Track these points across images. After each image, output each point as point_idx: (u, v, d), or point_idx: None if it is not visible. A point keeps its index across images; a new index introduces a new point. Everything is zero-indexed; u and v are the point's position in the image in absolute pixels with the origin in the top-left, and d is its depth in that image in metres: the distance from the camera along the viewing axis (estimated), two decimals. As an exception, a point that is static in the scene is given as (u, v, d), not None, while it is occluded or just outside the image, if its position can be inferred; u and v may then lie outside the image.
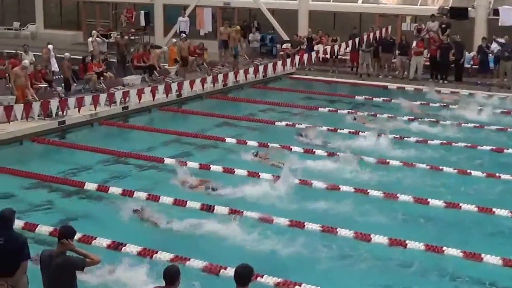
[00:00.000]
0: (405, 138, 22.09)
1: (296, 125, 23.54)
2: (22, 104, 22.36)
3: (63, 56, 27.90)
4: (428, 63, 31.92)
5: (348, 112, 25.80)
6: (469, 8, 33.46)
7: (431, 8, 34.10)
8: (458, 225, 15.56)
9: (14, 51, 27.73)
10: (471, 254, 13.71)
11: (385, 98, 28.26)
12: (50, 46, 28.70)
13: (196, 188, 17.54)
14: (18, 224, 14.09)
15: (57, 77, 27.89)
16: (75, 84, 27.51)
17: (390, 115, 25.11)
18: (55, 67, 28.37)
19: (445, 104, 27.00)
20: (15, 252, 9.66)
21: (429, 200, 16.56)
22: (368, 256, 13.79)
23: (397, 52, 32.09)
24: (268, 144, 21.12)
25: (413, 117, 24.83)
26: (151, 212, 15.61)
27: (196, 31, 37.50)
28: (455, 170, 18.91)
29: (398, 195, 16.84)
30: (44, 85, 25.85)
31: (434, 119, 24.71)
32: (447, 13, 33.36)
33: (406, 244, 14.13)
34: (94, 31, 34.26)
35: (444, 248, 13.94)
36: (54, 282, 9.34)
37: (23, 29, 43.93)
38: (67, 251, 9.43)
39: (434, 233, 15.04)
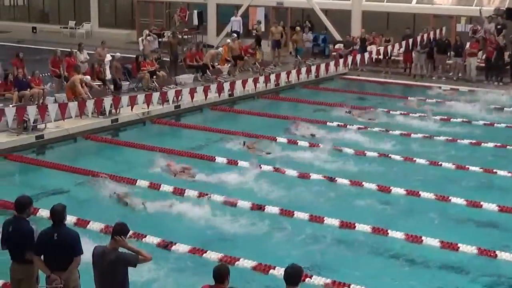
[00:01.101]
0: (458, 140, 21.88)
1: (347, 126, 23.44)
2: (76, 102, 22.63)
3: (114, 55, 28.20)
4: (483, 64, 31.49)
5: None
6: (526, 9, 32.92)
7: (486, 9, 33.57)
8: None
9: (69, 50, 28.08)
10: (524, 259, 13.53)
11: (438, 100, 27.94)
12: (109, 56, 28.65)
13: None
14: (70, 220, 14.30)
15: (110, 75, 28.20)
16: (128, 83, 27.77)
17: (443, 117, 24.85)
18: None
19: (499, 107, 26.61)
20: (69, 247, 9.79)
21: (482, 203, 16.34)
22: (418, 259, 13.69)
23: (452, 53, 31.75)
24: (320, 144, 21.08)
25: (467, 120, 24.56)
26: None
27: (249, 31, 37.58)
28: (510, 173, 18.65)
29: (450, 197, 16.67)
30: (98, 83, 26.12)
31: (488, 122, 24.40)
32: (503, 14, 32.85)
33: (458, 247, 13.96)
34: (145, 30, 34.51)
35: (497, 252, 13.75)
36: (106, 278, 9.44)
37: (78, 28, 44.54)
38: (120, 248, 9.53)
39: (486, 237, 14.85)
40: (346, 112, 25.01)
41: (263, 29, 36.96)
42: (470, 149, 21.20)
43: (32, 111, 20.98)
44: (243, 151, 20.53)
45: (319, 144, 21.11)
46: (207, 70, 30.08)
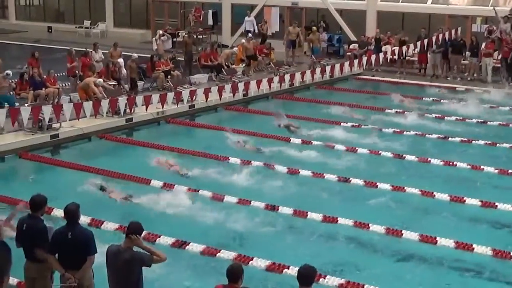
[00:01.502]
0: (473, 141, 21.80)
1: (362, 126, 23.41)
2: (91, 102, 22.70)
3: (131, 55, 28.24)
4: (499, 65, 31.30)
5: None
6: (542, 9, 32.71)
7: (502, 9, 33.37)
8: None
9: (84, 49, 28.19)
10: (540, 261, 13.44)
11: (453, 100, 27.83)
12: (121, 60, 28.51)
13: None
14: (84, 220, 14.36)
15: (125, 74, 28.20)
16: (142, 83, 27.82)
17: (458, 118, 24.77)
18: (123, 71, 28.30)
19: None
20: (83, 246, 9.83)
21: (497, 204, 16.27)
22: (433, 259, 13.64)
23: (467, 53, 31.63)
24: (333, 145, 21.07)
25: (482, 120, 24.45)
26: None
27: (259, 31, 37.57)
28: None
29: (465, 198, 16.60)
30: (113, 82, 26.18)
31: (503, 123, 24.29)
32: (520, 14, 32.66)
33: (473, 248, 13.90)
34: (158, 30, 34.57)
35: (512, 253, 13.71)
36: (121, 277, 9.44)
37: (93, 28, 44.67)
38: (134, 247, 9.53)
39: (502, 237, 14.78)
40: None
41: (277, 29, 37.04)
42: (485, 150, 21.11)
43: (47, 111, 21.07)
44: (261, 152, 20.55)
45: (333, 145, 21.11)
46: (222, 70, 30.10)
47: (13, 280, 11.21)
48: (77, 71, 26.91)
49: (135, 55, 28.20)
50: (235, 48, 32.71)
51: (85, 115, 22.06)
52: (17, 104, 23.06)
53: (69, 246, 9.79)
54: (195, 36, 35.88)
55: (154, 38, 33.60)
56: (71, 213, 9.94)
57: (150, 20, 43.68)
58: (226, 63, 30.75)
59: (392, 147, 21.05)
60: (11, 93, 23.79)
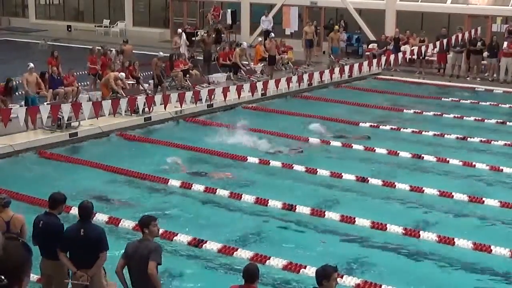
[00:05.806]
0: (492, 142, 21.68)
1: (381, 127, 23.34)
2: (110, 100, 22.76)
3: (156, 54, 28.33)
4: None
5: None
6: None
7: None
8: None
9: (102, 48, 28.27)
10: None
11: (473, 101, 27.70)
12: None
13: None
14: (102, 218, 14.43)
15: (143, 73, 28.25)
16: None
17: (477, 118, 24.65)
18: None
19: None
20: (95, 242, 9.86)
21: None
22: (451, 260, 13.57)
23: (486, 53, 31.44)
24: (352, 144, 21.05)
25: (501, 121, 24.32)
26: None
27: (282, 30, 37.55)
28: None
29: (483, 198, 16.51)
30: (132, 81, 26.25)
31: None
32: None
33: (491, 250, 13.82)
34: (179, 29, 34.69)
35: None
36: (144, 266, 9.35)
37: (112, 27, 44.82)
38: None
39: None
40: None
41: (296, 28, 37.00)
42: (505, 150, 21.00)
43: (66, 109, 21.16)
44: (274, 152, 20.56)
45: (352, 145, 21.09)
46: (241, 70, 30.01)
47: (32, 277, 11.27)
48: (98, 71, 27.01)
49: (161, 53, 28.28)
50: (244, 43, 32.38)
51: (104, 114, 22.13)
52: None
53: (82, 243, 9.80)
54: (213, 35, 35.86)
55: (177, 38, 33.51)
56: (87, 210, 9.98)
57: (169, 19, 43.77)
58: (241, 62, 30.55)
59: (411, 147, 20.95)
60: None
